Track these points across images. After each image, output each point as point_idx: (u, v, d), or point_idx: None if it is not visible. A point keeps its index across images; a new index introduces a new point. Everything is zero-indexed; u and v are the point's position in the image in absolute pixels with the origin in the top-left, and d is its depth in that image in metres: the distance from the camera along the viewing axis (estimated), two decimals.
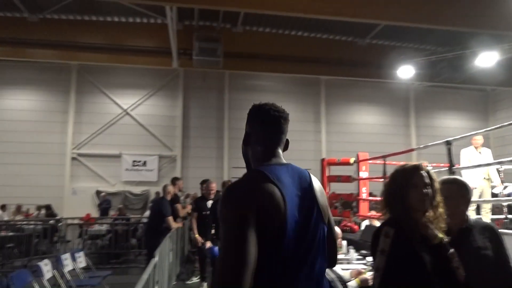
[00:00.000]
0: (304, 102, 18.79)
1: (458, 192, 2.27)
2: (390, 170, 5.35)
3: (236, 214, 1.31)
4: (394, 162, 6.67)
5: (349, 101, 19.13)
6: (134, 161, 17.15)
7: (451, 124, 19.41)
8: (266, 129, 1.75)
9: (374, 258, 1.93)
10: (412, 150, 6.47)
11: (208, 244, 5.77)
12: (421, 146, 5.42)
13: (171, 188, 6.40)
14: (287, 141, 1.88)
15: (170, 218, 6.16)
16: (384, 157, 5.58)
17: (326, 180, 7.02)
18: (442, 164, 6.08)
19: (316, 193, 1.58)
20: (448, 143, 4.59)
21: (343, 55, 15.05)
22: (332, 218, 1.74)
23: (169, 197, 6.41)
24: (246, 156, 1.83)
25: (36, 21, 13.58)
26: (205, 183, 6.07)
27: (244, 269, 1.19)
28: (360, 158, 6.63)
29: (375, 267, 1.85)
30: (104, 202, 14.74)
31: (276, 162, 1.70)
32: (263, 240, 1.29)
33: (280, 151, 1.82)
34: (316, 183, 1.67)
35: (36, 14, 13.41)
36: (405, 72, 13.28)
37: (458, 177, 2.46)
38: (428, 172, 2.06)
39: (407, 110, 19.58)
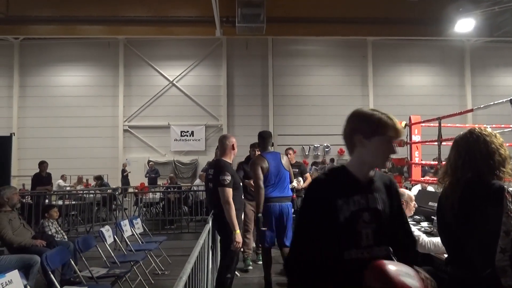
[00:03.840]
0: (351, 66, 18.19)
1: None
2: (446, 133, 5.11)
3: (255, 167, 4.44)
4: (449, 125, 6.37)
5: (398, 62, 18.30)
6: (182, 131, 17.59)
7: None
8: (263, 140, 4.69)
9: (495, 219, 1.79)
10: (470, 110, 6.10)
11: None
12: (481, 106, 5.09)
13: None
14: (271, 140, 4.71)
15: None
16: (439, 119, 5.33)
17: None
18: (503, 125, 5.72)
19: (282, 160, 4.57)
20: None
21: (391, 12, 14.22)
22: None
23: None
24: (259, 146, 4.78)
25: None
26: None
27: (260, 180, 4.36)
28: (413, 121, 6.38)
29: (505, 230, 1.76)
30: (152, 172, 15.32)
31: (267, 151, 4.62)
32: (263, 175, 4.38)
33: (269, 147, 4.66)
34: (283, 158, 4.62)
35: None
36: (464, 26, 12.21)
37: None
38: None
39: (462, 69, 18.43)
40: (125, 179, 15.47)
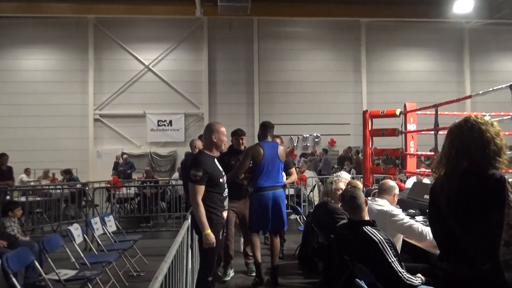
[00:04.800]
0: (342, 49, 18.24)
1: None
2: (443, 122, 5.17)
3: (245, 157, 4.84)
4: (446, 112, 6.44)
5: (393, 46, 18.41)
6: (159, 120, 17.45)
7: None
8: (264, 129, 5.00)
9: (497, 211, 1.80)
10: (468, 97, 6.16)
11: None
12: (480, 92, 5.14)
13: (199, 143, 6.44)
14: (271, 130, 5.04)
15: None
16: (435, 106, 5.37)
17: (368, 135, 6.88)
18: (502, 113, 5.81)
19: (278, 151, 4.89)
20: None
21: None
22: (291, 161, 5.79)
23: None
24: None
25: None
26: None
27: (241, 171, 4.80)
28: (408, 109, 6.43)
29: (507, 222, 1.78)
30: (126, 165, 14.88)
31: (265, 141, 4.91)
32: (254, 164, 4.82)
33: (269, 137, 4.97)
34: (280, 148, 4.93)
35: None
36: (463, 7, 12.32)
37: None
38: None
39: (461, 54, 18.66)
40: (124, 175, 14.86)
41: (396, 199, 4.28)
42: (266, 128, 5.01)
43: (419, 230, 3.65)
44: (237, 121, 15.60)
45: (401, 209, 4.32)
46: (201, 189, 3.69)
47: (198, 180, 3.68)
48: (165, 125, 17.51)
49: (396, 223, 3.77)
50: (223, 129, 3.98)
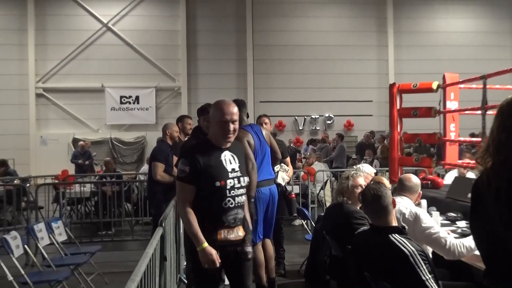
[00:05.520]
0: (362, 3, 18.21)
1: None
2: (493, 98, 5.18)
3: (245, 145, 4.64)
4: (498, 86, 6.45)
5: (429, 0, 18.39)
6: (122, 96, 17.40)
7: None
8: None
9: None
10: None
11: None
12: None
13: (174, 129, 6.42)
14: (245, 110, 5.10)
15: (159, 165, 6.18)
16: (483, 78, 5.38)
17: (396, 115, 6.89)
18: None
19: (264, 135, 5.13)
20: None
21: None
22: (274, 143, 5.39)
23: (170, 141, 6.46)
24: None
25: None
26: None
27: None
28: (448, 82, 6.44)
29: None
30: (83, 156, 14.78)
31: (245, 124, 5.02)
32: None
33: (245, 118, 5.09)
34: (264, 131, 5.18)
35: None
36: None
37: None
38: None
39: None
40: (82, 168, 14.75)
41: (419, 200, 4.37)
42: (239, 107, 4.95)
43: (447, 243, 3.68)
44: (225, 97, 15.49)
45: (426, 212, 4.38)
46: (190, 190, 3.46)
47: (183, 176, 3.48)
48: (130, 103, 17.48)
49: (424, 231, 3.81)
50: (235, 109, 3.57)
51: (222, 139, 3.52)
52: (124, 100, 17.47)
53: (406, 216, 3.90)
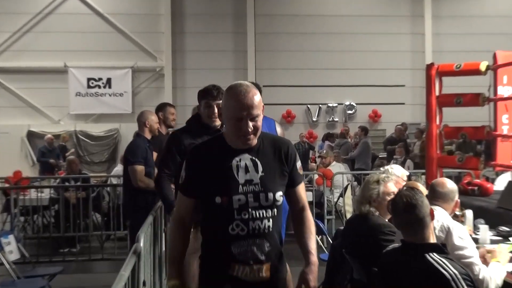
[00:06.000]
0: None
1: None
2: None
3: None
4: None
5: None
6: (90, 79, 17.39)
7: None
8: None
9: None
10: None
11: None
12: None
13: (154, 119, 6.40)
14: None
15: (139, 169, 6.14)
16: None
17: (435, 104, 6.88)
18: None
19: (278, 133, 5.10)
20: None
21: None
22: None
23: (148, 134, 6.44)
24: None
25: None
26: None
27: None
28: (500, 62, 6.43)
29: None
30: (51, 153, 14.90)
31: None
32: None
33: None
34: (279, 129, 5.32)
35: None
36: None
37: None
38: None
39: None
40: (46, 168, 14.82)
41: (456, 209, 4.37)
42: None
43: (479, 274, 3.70)
44: (219, 81, 15.50)
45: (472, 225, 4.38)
46: (184, 203, 3.15)
47: (181, 185, 3.17)
48: (99, 87, 17.47)
49: (455, 251, 3.81)
50: (256, 99, 3.00)
51: (237, 141, 3.03)
52: (92, 83, 17.42)
53: (437, 231, 3.89)
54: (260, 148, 3.06)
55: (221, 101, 4.42)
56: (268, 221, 2.97)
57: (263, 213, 2.96)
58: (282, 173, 3.10)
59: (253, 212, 2.96)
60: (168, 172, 4.93)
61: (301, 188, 3.25)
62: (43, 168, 14.47)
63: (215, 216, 3.02)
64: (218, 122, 4.91)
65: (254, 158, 3.03)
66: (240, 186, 2.98)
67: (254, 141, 2.98)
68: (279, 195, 3.01)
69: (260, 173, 3.01)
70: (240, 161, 3.02)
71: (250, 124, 2.89)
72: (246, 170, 3.00)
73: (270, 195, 2.97)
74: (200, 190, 3.02)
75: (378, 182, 4.57)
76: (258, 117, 2.94)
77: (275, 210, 3.01)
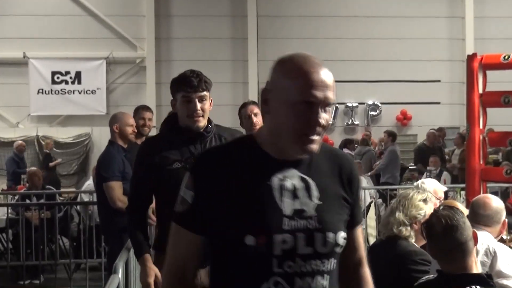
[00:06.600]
0: None
1: None
2: None
3: None
4: None
5: None
6: (55, 72, 17.45)
7: None
8: None
9: None
10: None
11: None
12: None
13: (131, 121, 6.44)
14: None
15: (115, 186, 6.13)
16: None
17: (478, 104, 6.92)
18: None
19: None
20: None
21: None
22: None
23: (121, 142, 6.47)
24: None
25: None
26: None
27: None
28: None
29: None
30: (21, 162, 15.14)
31: None
32: None
33: None
34: None
35: None
36: None
37: None
38: None
39: None
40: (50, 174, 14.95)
41: (503, 232, 4.37)
42: None
43: None
44: (214, 76, 15.58)
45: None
46: (186, 240, 2.35)
47: (181, 213, 2.35)
48: (67, 82, 17.53)
49: (499, 277, 3.85)
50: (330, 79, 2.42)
51: (294, 144, 2.17)
52: (58, 78, 17.49)
53: (481, 255, 3.92)
54: (313, 162, 2.28)
55: (205, 93, 4.29)
56: (323, 278, 2.20)
57: (317, 265, 2.18)
58: (343, 203, 2.33)
59: (303, 263, 2.15)
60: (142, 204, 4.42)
61: (361, 231, 2.57)
62: (15, 183, 14.47)
63: (241, 267, 2.20)
64: (202, 123, 4.33)
65: (305, 176, 2.25)
66: (286, 220, 2.17)
67: (315, 147, 2.16)
68: (342, 237, 2.23)
69: (315, 201, 2.22)
70: (285, 179, 2.21)
71: (323, 116, 2.15)
72: (295, 194, 2.21)
73: (331, 236, 2.19)
74: (216, 223, 2.19)
75: (425, 201, 4.49)
76: (329, 108, 2.22)
77: (334, 261, 2.25)
